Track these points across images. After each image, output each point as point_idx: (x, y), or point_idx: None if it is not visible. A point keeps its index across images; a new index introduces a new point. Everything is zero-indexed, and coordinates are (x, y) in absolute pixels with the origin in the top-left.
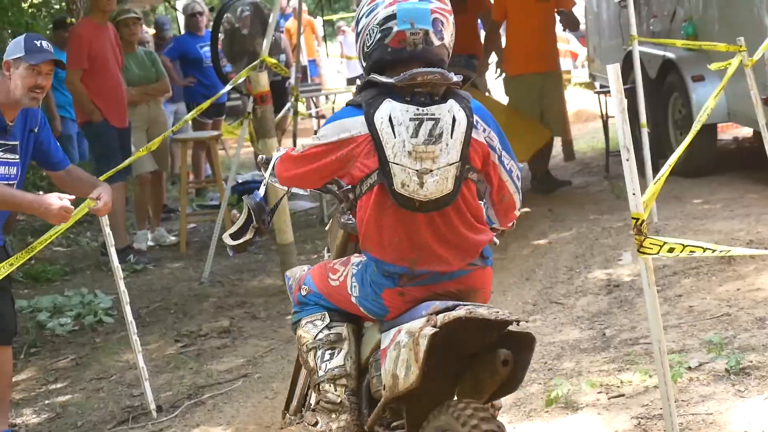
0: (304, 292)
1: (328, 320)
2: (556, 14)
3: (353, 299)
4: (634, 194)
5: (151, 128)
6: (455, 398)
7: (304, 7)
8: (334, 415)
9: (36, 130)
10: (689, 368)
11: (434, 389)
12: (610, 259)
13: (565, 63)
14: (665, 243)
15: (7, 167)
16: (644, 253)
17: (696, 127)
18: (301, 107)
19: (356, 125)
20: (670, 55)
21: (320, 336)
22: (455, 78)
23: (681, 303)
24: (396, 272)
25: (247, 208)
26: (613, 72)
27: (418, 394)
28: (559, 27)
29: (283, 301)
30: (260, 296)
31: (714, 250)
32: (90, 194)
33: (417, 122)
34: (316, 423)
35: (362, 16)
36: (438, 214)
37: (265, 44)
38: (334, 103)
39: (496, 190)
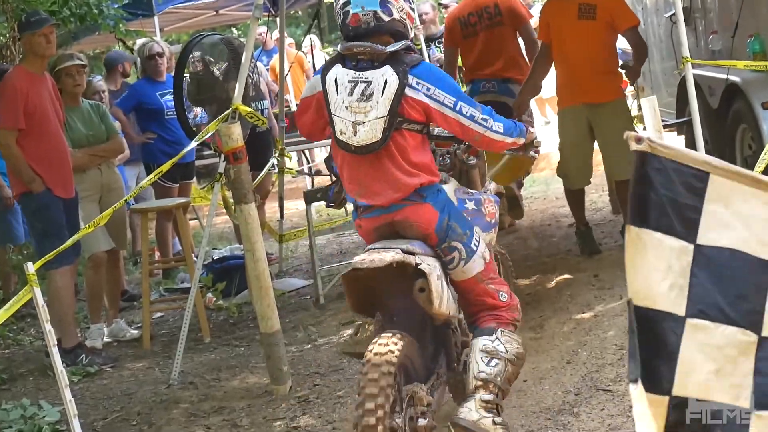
0: None
1: None
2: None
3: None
4: None
5: (104, 197)
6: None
7: (290, 39)
8: (367, 326)
9: None
10: None
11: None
12: None
13: None
14: None
15: None
16: None
17: (761, 166)
18: (290, 163)
19: (317, 83)
20: (735, 78)
21: None
22: (387, 49)
23: None
24: (354, 204)
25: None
26: (649, 107)
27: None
28: None
29: (270, 403)
30: (242, 399)
31: None
32: None
33: (353, 84)
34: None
35: (334, 3)
36: (373, 157)
37: (238, 88)
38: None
39: (461, 133)
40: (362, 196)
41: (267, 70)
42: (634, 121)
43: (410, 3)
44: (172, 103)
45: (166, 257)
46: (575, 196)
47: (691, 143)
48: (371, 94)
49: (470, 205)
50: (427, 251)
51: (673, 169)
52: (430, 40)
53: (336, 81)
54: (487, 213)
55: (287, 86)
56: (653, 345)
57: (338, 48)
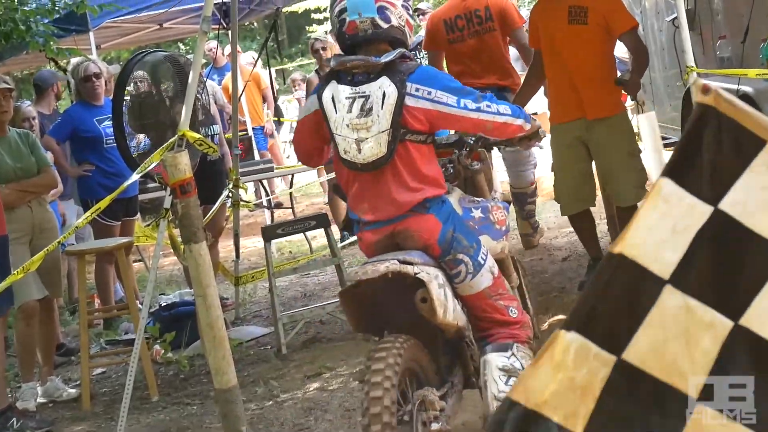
0: None
1: None
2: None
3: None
4: None
5: (35, 239)
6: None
7: (249, 57)
8: None
9: None
10: None
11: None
12: None
13: None
14: None
15: None
16: None
17: None
18: (246, 195)
19: (314, 102)
20: (746, 89)
21: None
22: (380, 60)
23: None
24: (356, 219)
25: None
26: (648, 124)
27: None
28: None
29: None
30: None
31: None
32: None
33: (351, 100)
34: None
35: (330, 10)
36: (378, 173)
37: (185, 112)
38: (292, 187)
39: (473, 127)
40: (366, 212)
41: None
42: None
43: (409, 10)
44: (112, 130)
45: (107, 305)
46: (582, 223)
47: None
48: (371, 109)
49: (477, 214)
50: (427, 261)
51: (729, 129)
52: None
53: (333, 99)
54: (497, 220)
55: (242, 108)
56: (621, 301)
57: (331, 64)
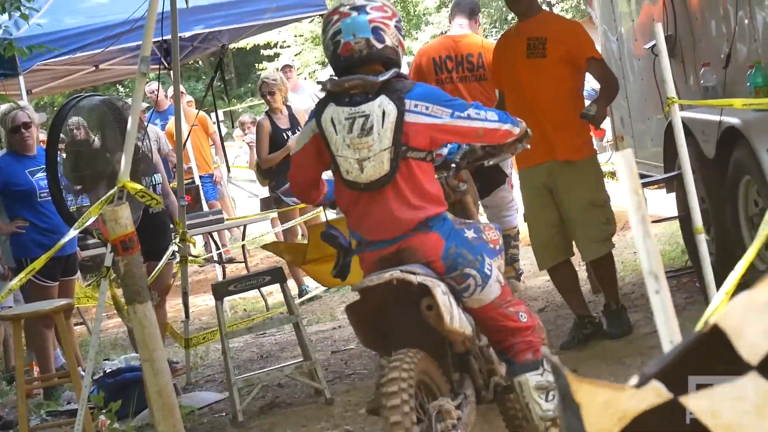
0: None
1: None
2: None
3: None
4: (671, 342)
5: None
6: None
7: (188, 97)
8: None
9: None
10: None
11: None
12: None
13: None
14: None
15: None
16: None
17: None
18: (194, 250)
19: (312, 127)
20: (733, 120)
21: None
22: (378, 79)
23: None
24: (358, 240)
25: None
26: (624, 163)
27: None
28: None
29: None
30: None
31: None
32: None
33: (351, 120)
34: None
35: (322, 34)
36: (380, 192)
37: (124, 161)
38: (244, 239)
39: (466, 135)
40: (367, 233)
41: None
42: (612, 178)
43: (401, 30)
44: (46, 182)
45: (47, 373)
46: (561, 275)
47: (683, 202)
48: (371, 128)
49: (470, 234)
50: (429, 273)
51: None
52: None
53: (332, 120)
54: (490, 240)
55: (187, 154)
56: (701, 363)
57: (327, 86)
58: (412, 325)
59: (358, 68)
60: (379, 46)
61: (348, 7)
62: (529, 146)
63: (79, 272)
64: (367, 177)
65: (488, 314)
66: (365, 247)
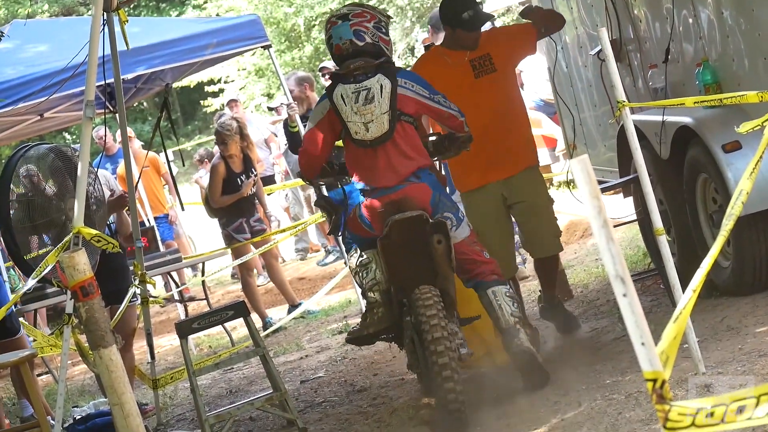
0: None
1: (359, 252)
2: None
3: (359, 221)
4: (643, 344)
5: None
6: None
7: (138, 142)
8: (375, 310)
9: None
10: None
11: (413, 278)
12: None
13: (540, 155)
14: (701, 410)
15: None
16: (672, 429)
17: (729, 223)
18: (155, 290)
19: (325, 104)
20: (685, 119)
21: (357, 263)
22: (375, 61)
23: None
24: (363, 188)
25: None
26: (582, 169)
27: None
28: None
29: None
30: None
31: None
32: None
33: (357, 93)
34: (365, 317)
35: (325, 38)
36: (382, 147)
37: (77, 207)
38: (204, 275)
39: (438, 115)
40: (371, 181)
41: (115, 178)
42: (570, 187)
43: (381, 30)
44: None
45: (15, 427)
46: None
47: (641, 205)
48: (373, 97)
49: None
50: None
51: None
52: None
53: (342, 96)
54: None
55: (140, 196)
56: None
57: (335, 70)
58: (426, 259)
59: (349, 62)
60: (361, 44)
61: (336, 17)
62: (469, 149)
63: (20, 330)
64: (372, 135)
65: (461, 249)
66: (370, 194)
